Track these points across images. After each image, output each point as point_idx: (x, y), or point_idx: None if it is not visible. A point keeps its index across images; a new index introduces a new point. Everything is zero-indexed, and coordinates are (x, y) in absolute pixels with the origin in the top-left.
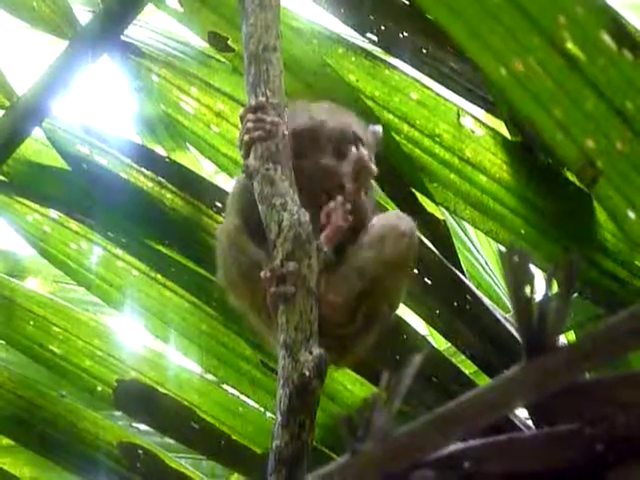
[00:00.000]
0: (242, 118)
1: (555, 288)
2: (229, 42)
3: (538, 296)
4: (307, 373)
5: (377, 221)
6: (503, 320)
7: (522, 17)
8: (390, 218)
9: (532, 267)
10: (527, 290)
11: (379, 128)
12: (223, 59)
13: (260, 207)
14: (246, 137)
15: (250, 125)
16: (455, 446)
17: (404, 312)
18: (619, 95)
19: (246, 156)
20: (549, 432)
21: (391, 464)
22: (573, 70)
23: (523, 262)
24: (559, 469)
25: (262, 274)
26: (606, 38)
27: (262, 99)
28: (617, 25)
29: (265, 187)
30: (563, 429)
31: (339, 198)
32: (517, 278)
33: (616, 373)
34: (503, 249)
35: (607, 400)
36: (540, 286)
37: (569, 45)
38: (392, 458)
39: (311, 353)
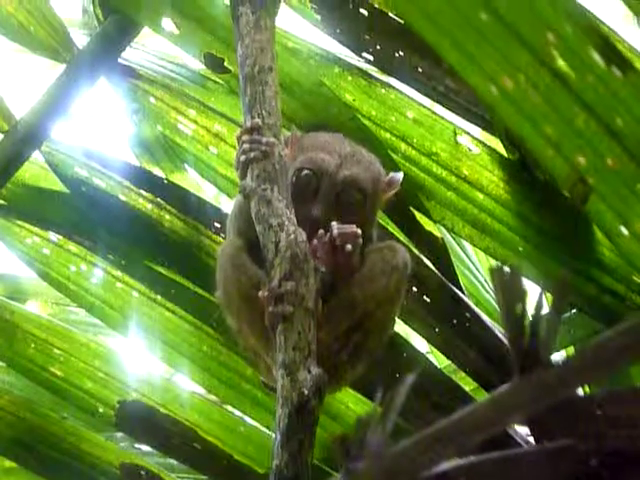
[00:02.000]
0: (238, 139)
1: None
2: (225, 63)
3: (531, 313)
4: (306, 392)
5: (371, 254)
6: (502, 337)
7: (511, 36)
8: (383, 251)
9: (524, 284)
10: (518, 307)
11: (400, 176)
12: (220, 80)
13: (257, 227)
14: (242, 158)
15: (246, 146)
16: (450, 463)
17: (405, 331)
18: (609, 112)
19: (243, 177)
20: (543, 448)
21: None
22: (563, 87)
23: (514, 279)
24: None
25: (260, 294)
26: (595, 56)
27: (258, 120)
28: (606, 43)
29: (262, 207)
30: (557, 445)
31: (323, 237)
32: (508, 295)
33: (608, 389)
34: (495, 265)
35: (599, 416)
36: (536, 302)
37: (558, 63)
38: (387, 477)
39: (310, 372)
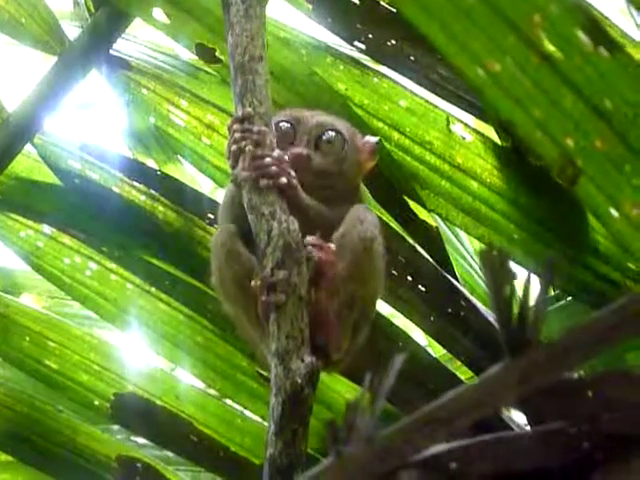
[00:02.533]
0: (230, 128)
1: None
2: (217, 53)
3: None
4: (299, 381)
5: (341, 229)
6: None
7: (497, 17)
8: (348, 224)
9: (511, 266)
10: (507, 289)
11: (374, 139)
12: (211, 70)
13: (249, 216)
14: (234, 147)
15: (237, 135)
16: (440, 447)
17: (400, 319)
18: (597, 93)
19: (234, 166)
20: (535, 431)
21: (375, 466)
22: (550, 69)
23: (502, 261)
24: (546, 469)
25: (253, 283)
26: (581, 36)
27: (249, 109)
28: (592, 22)
29: (254, 196)
30: (549, 428)
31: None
32: (496, 277)
33: (600, 370)
34: (483, 248)
35: (592, 398)
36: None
37: (545, 44)
38: (376, 460)
39: (303, 361)
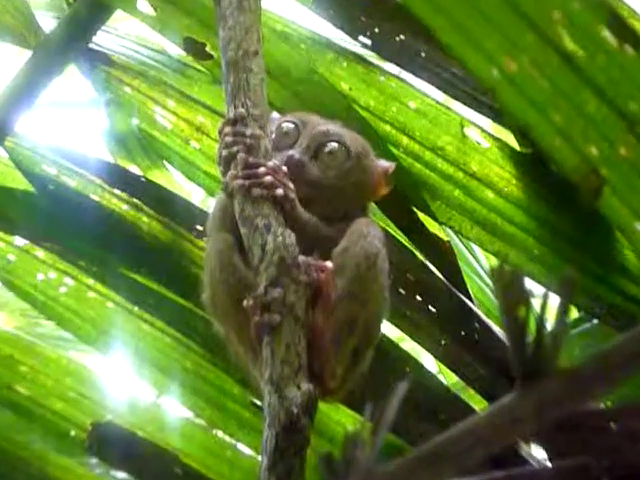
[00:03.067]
0: (220, 132)
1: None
2: (207, 48)
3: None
4: (295, 410)
5: (342, 244)
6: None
7: (513, 13)
8: (350, 239)
9: (527, 284)
10: (521, 310)
11: (390, 164)
12: (202, 68)
13: (242, 229)
14: (224, 152)
15: (229, 139)
16: None
17: (407, 343)
18: (622, 96)
19: (225, 173)
20: (554, 467)
21: None
22: (571, 70)
23: (516, 279)
24: None
25: (245, 303)
26: (606, 34)
27: (242, 110)
28: (617, 19)
29: (246, 207)
30: (569, 463)
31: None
32: (510, 297)
33: (623, 402)
34: (494, 265)
35: (613, 430)
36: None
37: (566, 42)
38: None
39: (299, 388)
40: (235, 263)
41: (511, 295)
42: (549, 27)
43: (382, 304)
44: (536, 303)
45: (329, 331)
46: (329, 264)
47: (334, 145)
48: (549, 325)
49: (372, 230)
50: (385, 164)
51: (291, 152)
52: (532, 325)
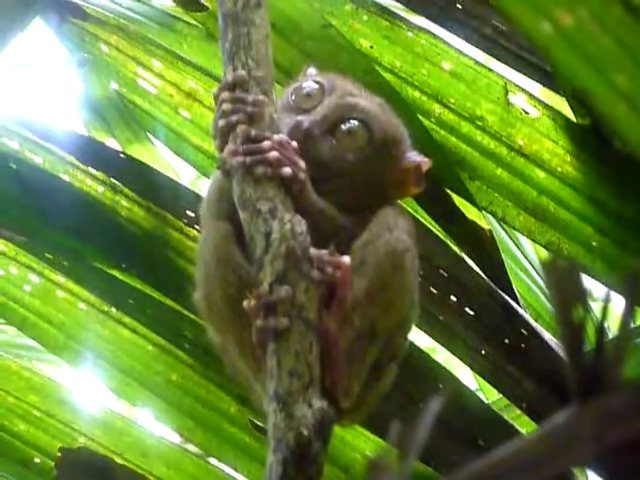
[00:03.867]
0: (216, 97)
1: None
2: None
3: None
4: (305, 432)
5: (364, 236)
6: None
7: None
8: (373, 231)
9: (586, 281)
10: (578, 312)
11: (424, 160)
12: (193, 21)
13: (241, 214)
14: (222, 122)
15: (227, 106)
16: None
17: (441, 354)
18: None
19: (222, 147)
20: None
21: None
22: (637, 23)
23: (572, 274)
24: None
25: (246, 304)
26: None
27: (242, 72)
28: None
29: (247, 188)
30: None
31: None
32: (564, 296)
33: None
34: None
35: None
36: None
37: None
38: None
39: (311, 406)
40: (233, 256)
41: (566, 294)
42: None
43: (409, 310)
44: (596, 305)
45: (344, 340)
46: (346, 259)
47: (354, 124)
48: (611, 331)
49: (400, 222)
50: (417, 158)
51: (300, 117)
52: (591, 331)
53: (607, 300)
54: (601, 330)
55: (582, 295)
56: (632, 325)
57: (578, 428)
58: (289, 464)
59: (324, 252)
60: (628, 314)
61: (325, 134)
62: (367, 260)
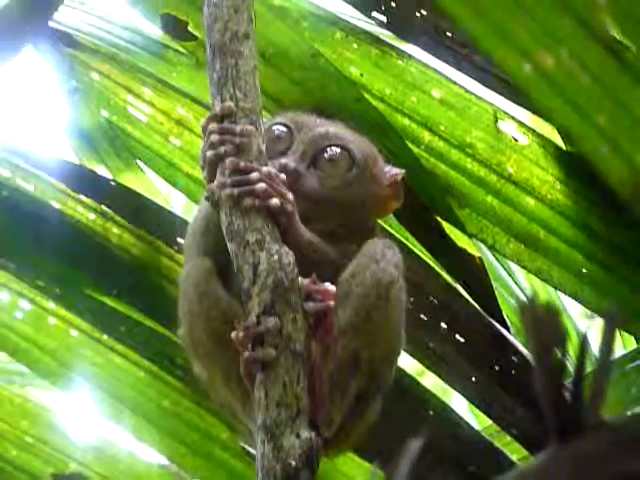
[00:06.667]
0: (204, 129)
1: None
2: (189, 27)
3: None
4: (293, 463)
5: (351, 267)
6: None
7: None
8: (360, 262)
9: (563, 323)
10: (555, 355)
11: (400, 171)
12: (183, 50)
13: (229, 245)
14: (210, 153)
15: (215, 137)
16: None
17: (431, 379)
18: None
19: (210, 178)
20: None
21: None
22: (617, 64)
23: (550, 319)
24: None
25: (234, 335)
26: None
27: (229, 103)
28: None
29: (235, 219)
30: None
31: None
32: (542, 339)
33: None
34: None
35: None
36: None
37: (612, 32)
38: None
39: (298, 437)
40: (215, 291)
41: (543, 337)
42: (591, 14)
43: (395, 342)
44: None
45: (326, 369)
46: (332, 287)
47: (335, 150)
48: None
49: (388, 254)
50: (394, 171)
51: (284, 160)
52: (570, 369)
53: (585, 341)
54: (580, 369)
55: (560, 337)
56: (611, 362)
57: (555, 471)
58: None
59: (306, 281)
60: (607, 352)
61: (309, 169)
62: (353, 291)
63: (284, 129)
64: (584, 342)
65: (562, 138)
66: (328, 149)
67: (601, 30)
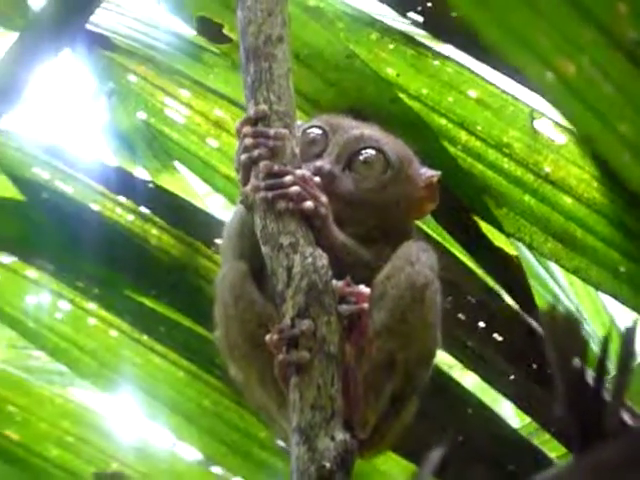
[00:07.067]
0: (239, 132)
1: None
2: (225, 30)
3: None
4: (328, 465)
5: (385, 270)
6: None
7: (571, 6)
8: (395, 265)
9: (583, 332)
10: (576, 362)
11: (435, 173)
12: (219, 52)
13: (263, 248)
14: (244, 156)
15: (249, 141)
16: None
17: (469, 378)
18: None
19: (245, 181)
20: None
21: None
22: (639, 71)
23: (571, 327)
24: None
25: (268, 338)
26: None
27: (263, 107)
28: None
29: (269, 222)
30: None
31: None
32: (563, 348)
33: None
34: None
35: None
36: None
37: (632, 40)
38: None
39: (333, 439)
40: (250, 294)
41: (564, 346)
42: (613, 22)
43: (430, 343)
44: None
45: (361, 371)
46: (366, 290)
47: (370, 152)
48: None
49: (423, 256)
50: (430, 173)
51: (319, 163)
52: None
53: (606, 345)
54: (599, 379)
55: (580, 346)
56: (631, 368)
57: (577, 477)
58: None
59: (340, 283)
60: (628, 357)
61: (344, 171)
62: (387, 293)
63: (319, 132)
64: (604, 347)
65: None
66: (363, 151)
67: (622, 38)
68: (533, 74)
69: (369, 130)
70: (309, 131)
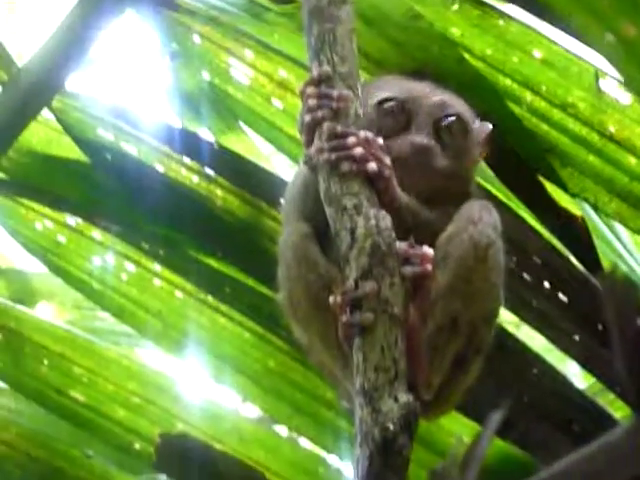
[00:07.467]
0: (302, 93)
1: None
2: None
3: None
4: (391, 427)
5: (448, 230)
6: None
7: None
8: (457, 225)
9: None
10: (635, 325)
11: (489, 125)
12: (283, 12)
13: (327, 210)
14: (308, 118)
15: (312, 102)
16: None
17: (534, 339)
18: None
19: (309, 143)
20: None
21: None
22: None
23: (630, 290)
24: None
25: (332, 299)
26: None
27: (326, 68)
28: None
29: (333, 183)
30: None
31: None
32: (621, 311)
33: None
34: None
35: None
36: None
37: None
38: None
39: (397, 400)
40: (314, 256)
41: (623, 309)
42: None
43: (493, 304)
44: None
45: (425, 333)
46: (430, 251)
47: (451, 120)
48: None
49: (485, 216)
50: (484, 127)
51: (414, 138)
52: None
53: None
54: None
55: (637, 310)
56: None
57: (635, 442)
58: (375, 458)
59: (404, 245)
60: None
61: (435, 141)
62: (450, 253)
63: (397, 103)
64: None
65: None
66: (445, 118)
67: None
68: (594, 35)
69: (447, 96)
70: (386, 106)
